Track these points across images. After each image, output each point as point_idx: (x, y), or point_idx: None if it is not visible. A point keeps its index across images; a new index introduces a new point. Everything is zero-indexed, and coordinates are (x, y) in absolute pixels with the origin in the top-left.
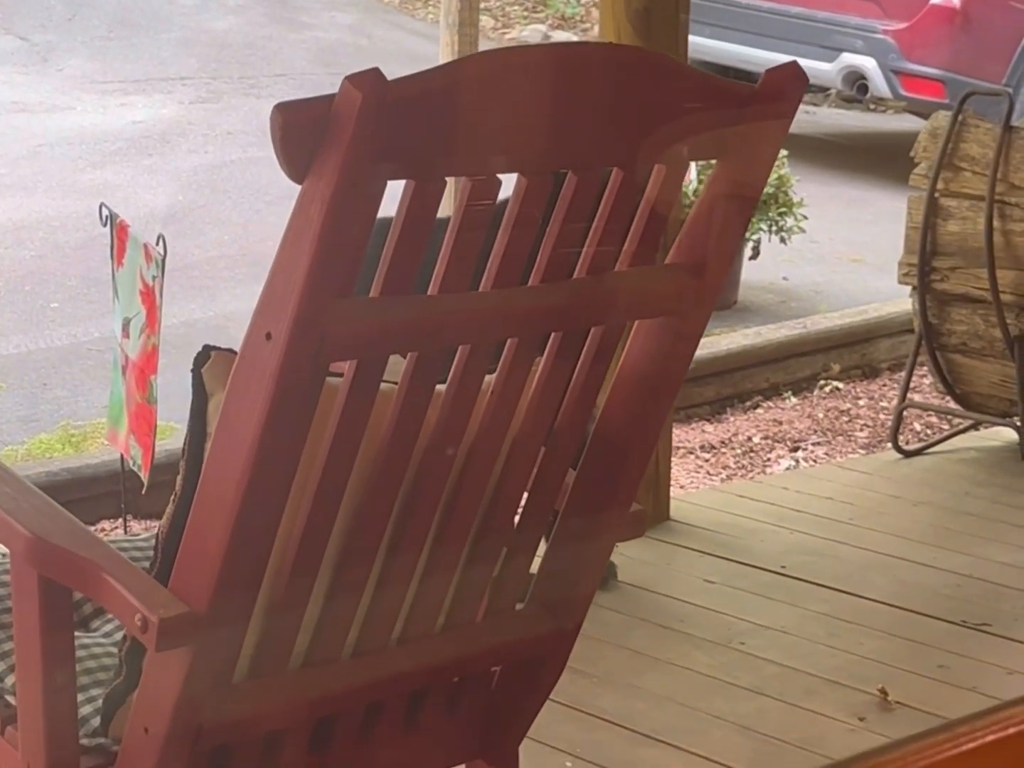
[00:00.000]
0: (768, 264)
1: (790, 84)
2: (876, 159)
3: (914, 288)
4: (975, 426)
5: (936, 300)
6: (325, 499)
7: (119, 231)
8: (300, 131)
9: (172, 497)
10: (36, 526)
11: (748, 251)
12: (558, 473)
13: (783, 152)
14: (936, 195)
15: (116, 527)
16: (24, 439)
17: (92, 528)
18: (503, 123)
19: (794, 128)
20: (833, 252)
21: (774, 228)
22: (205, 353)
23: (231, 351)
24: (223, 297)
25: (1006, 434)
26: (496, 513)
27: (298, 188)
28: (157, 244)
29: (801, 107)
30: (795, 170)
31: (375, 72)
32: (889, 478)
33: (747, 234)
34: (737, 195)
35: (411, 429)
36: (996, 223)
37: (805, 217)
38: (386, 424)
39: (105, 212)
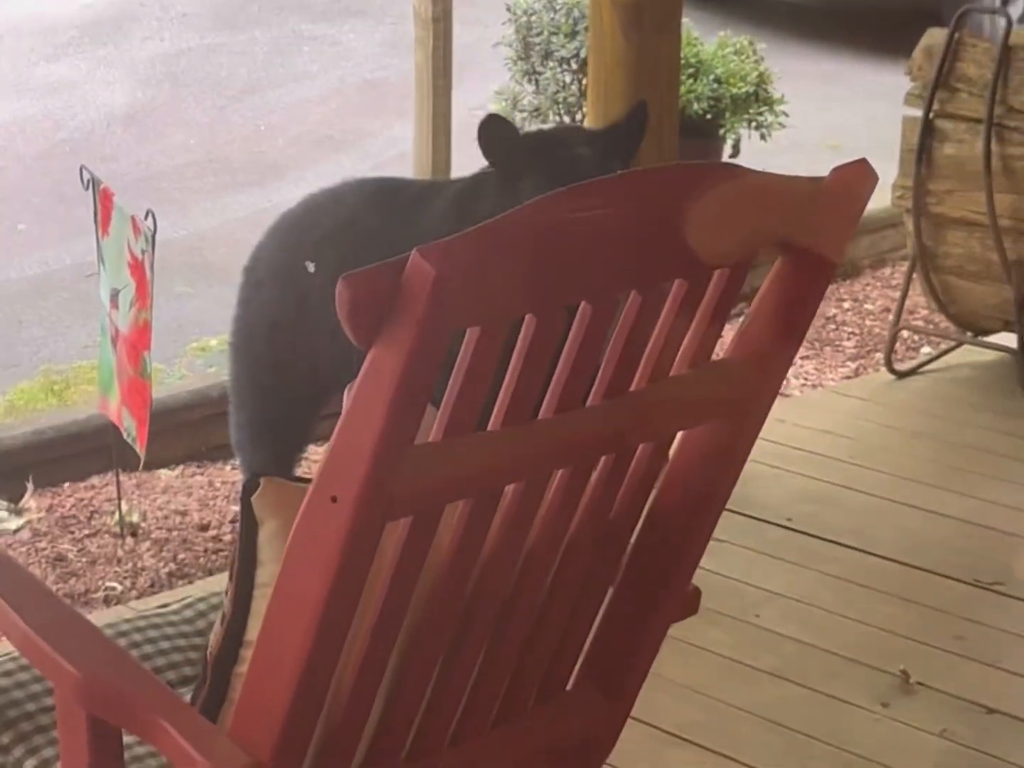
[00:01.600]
0: (745, 156)
1: (859, 182)
2: (853, 28)
3: (908, 211)
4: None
5: (931, 223)
6: (382, 637)
7: (103, 198)
8: (368, 305)
9: (221, 617)
10: (84, 662)
11: (728, 149)
12: (612, 567)
13: (762, 45)
14: (931, 116)
15: (107, 483)
16: (4, 388)
17: (81, 484)
18: (571, 259)
19: None
20: (809, 138)
21: (754, 125)
22: (254, 481)
23: (280, 479)
24: (193, 212)
25: (991, 347)
26: (550, 615)
27: (263, 91)
28: (146, 219)
29: None
30: (768, 41)
31: (445, 245)
32: (885, 405)
33: (726, 133)
34: (801, 290)
35: (470, 561)
36: (994, 147)
37: (786, 115)
38: (443, 553)
39: (87, 176)
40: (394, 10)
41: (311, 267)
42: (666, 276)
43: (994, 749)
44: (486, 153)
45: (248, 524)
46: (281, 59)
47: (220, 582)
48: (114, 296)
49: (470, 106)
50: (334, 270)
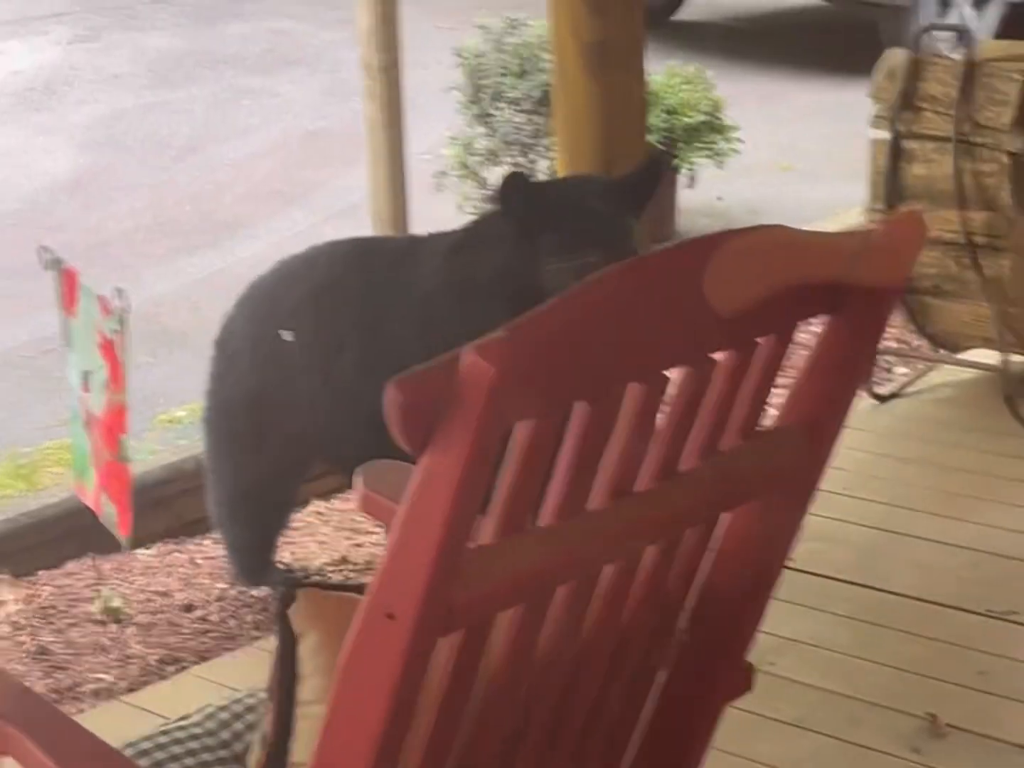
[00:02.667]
0: (701, 184)
1: (908, 237)
2: (783, 44)
3: None
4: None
5: None
6: (435, 752)
7: (66, 278)
8: (421, 409)
9: (261, 739)
10: None
11: (686, 181)
12: (663, 652)
13: (709, 73)
14: (899, 138)
15: (85, 568)
16: None
17: (57, 572)
18: (624, 338)
19: (694, 15)
20: (760, 160)
21: (708, 154)
22: (290, 593)
23: (316, 587)
24: (147, 277)
25: (971, 366)
26: (604, 709)
27: (205, 148)
28: (116, 298)
29: None
30: (704, 65)
31: (503, 342)
32: (872, 431)
33: (683, 164)
34: (851, 352)
35: (524, 667)
36: (964, 164)
37: (741, 140)
38: (495, 660)
39: (47, 256)
40: (329, 58)
41: (288, 336)
42: (715, 348)
43: None
44: (506, 208)
45: (287, 639)
46: (221, 114)
47: (221, 672)
48: (85, 378)
49: (418, 151)
50: (311, 338)
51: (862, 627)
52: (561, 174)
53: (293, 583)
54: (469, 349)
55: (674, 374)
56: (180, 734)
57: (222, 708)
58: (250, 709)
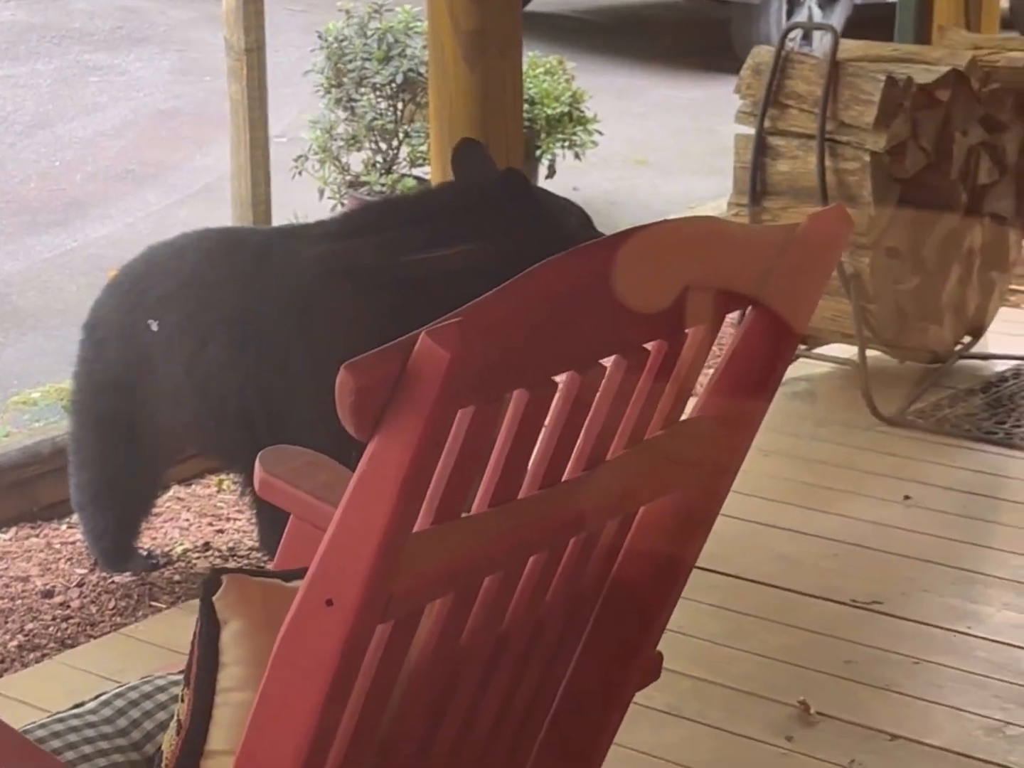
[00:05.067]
0: (559, 176)
1: (834, 229)
2: (637, 39)
3: None
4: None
5: None
6: (360, 739)
7: None
8: (373, 393)
9: (176, 727)
10: None
11: (544, 171)
12: (577, 641)
13: (571, 64)
14: (764, 134)
15: None
16: None
17: None
18: (564, 329)
19: (545, 7)
20: (616, 153)
21: (567, 145)
22: (215, 579)
23: (242, 574)
24: None
25: (829, 360)
26: (518, 696)
27: (53, 125)
28: None
29: None
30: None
31: (457, 326)
32: None
33: (542, 154)
34: (772, 345)
35: (449, 656)
36: (827, 162)
37: (600, 133)
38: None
39: None
40: (179, 37)
41: (154, 326)
42: (646, 337)
43: None
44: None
45: (209, 625)
46: (68, 91)
47: (86, 660)
48: None
49: (274, 135)
50: (178, 328)
51: (730, 616)
52: (434, 162)
53: (219, 569)
54: (423, 333)
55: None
56: (76, 722)
57: (118, 695)
58: (147, 696)
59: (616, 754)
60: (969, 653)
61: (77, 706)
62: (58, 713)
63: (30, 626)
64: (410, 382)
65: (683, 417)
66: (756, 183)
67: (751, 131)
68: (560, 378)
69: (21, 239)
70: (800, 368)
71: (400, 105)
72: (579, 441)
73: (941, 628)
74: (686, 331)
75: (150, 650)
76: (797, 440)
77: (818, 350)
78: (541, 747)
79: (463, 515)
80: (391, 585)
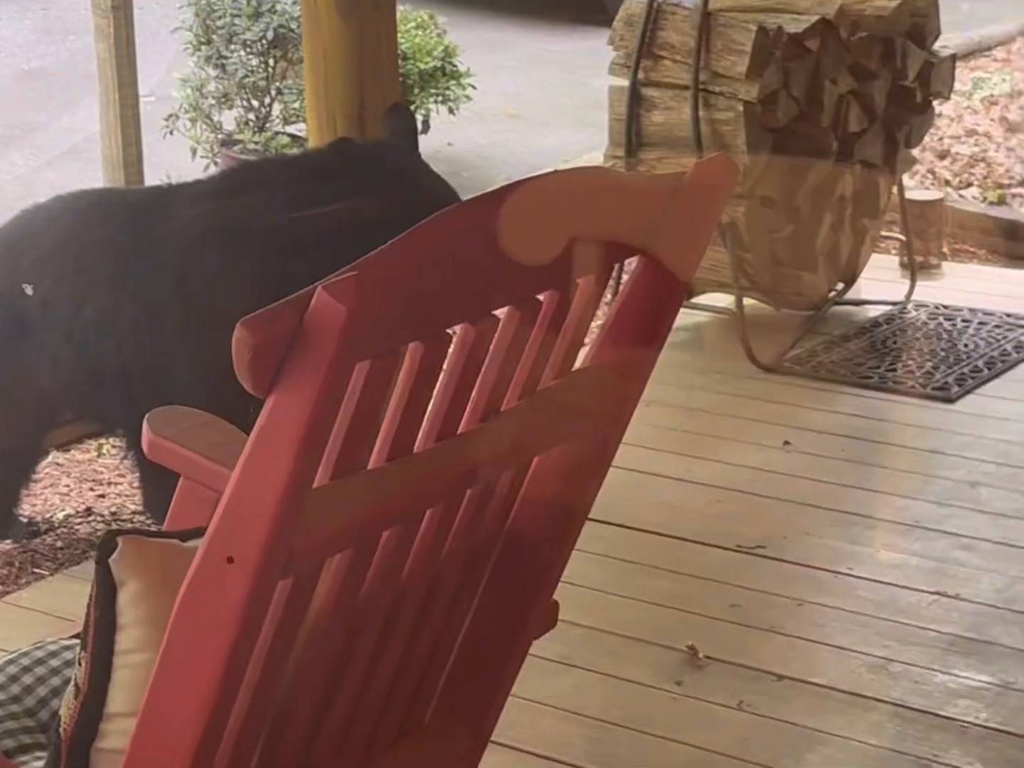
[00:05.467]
0: (432, 130)
1: (720, 177)
2: None
3: None
4: None
5: None
6: (262, 693)
7: None
8: (271, 349)
9: (74, 691)
10: None
11: (420, 125)
12: (475, 592)
13: (442, 19)
14: (638, 85)
15: None
16: None
17: None
18: (457, 281)
19: None
20: (488, 107)
21: (440, 100)
22: (111, 541)
23: (137, 534)
24: None
25: (708, 309)
26: (416, 649)
27: None
28: None
29: None
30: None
31: (354, 280)
32: None
33: (416, 109)
34: (662, 292)
35: (349, 611)
36: (701, 112)
37: (474, 87)
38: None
39: None
40: None
41: (29, 290)
42: (538, 288)
43: (791, 716)
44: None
45: (105, 587)
46: None
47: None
48: None
49: (143, 93)
50: (53, 293)
51: (616, 564)
52: (310, 118)
53: (114, 531)
54: (320, 288)
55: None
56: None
57: (9, 662)
58: (39, 662)
59: (509, 704)
60: (851, 593)
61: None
62: None
63: None
64: (307, 337)
65: (575, 367)
66: (631, 135)
67: (625, 83)
68: (455, 331)
69: None
70: (680, 318)
71: (271, 62)
72: (473, 393)
73: (824, 570)
74: (577, 282)
75: (35, 617)
76: (678, 389)
77: (697, 300)
78: (441, 699)
79: (362, 470)
80: (292, 541)
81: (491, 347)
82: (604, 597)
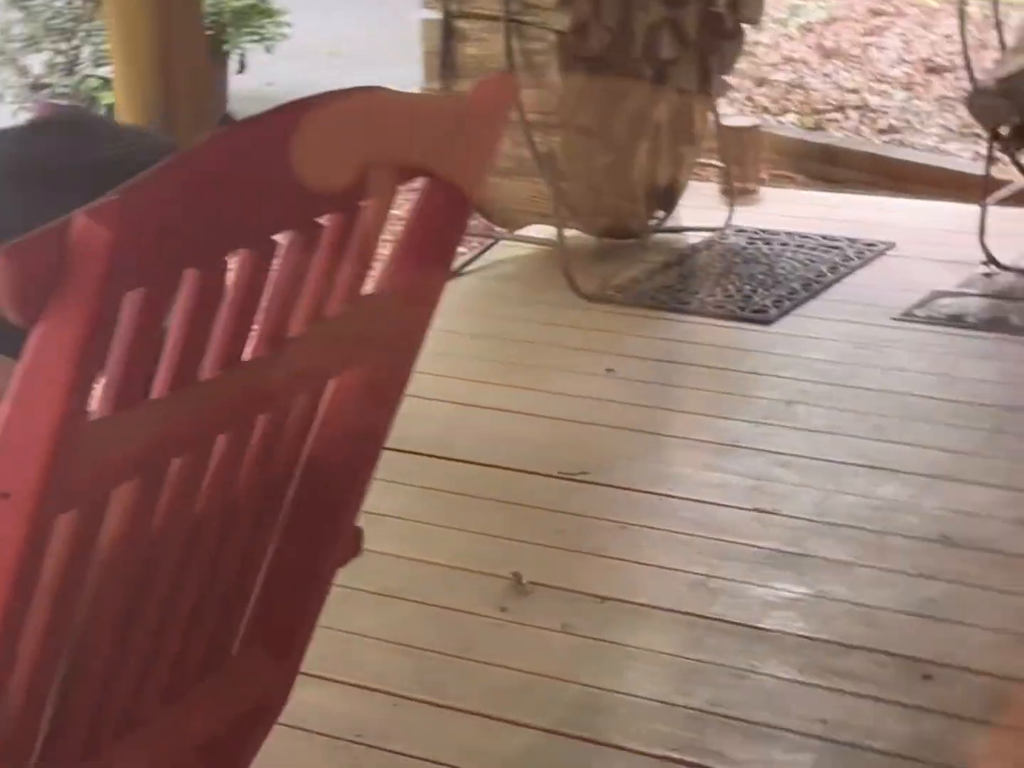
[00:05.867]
0: (249, 69)
1: (500, 95)
2: None
3: None
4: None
5: None
6: (53, 634)
7: None
8: (33, 278)
9: None
10: None
11: (235, 66)
12: (274, 522)
13: None
14: (450, 18)
15: None
16: None
17: None
18: (233, 206)
19: None
20: (308, 45)
21: (257, 39)
22: None
23: None
24: None
25: (530, 241)
26: (216, 582)
27: None
28: None
29: None
30: None
31: (117, 203)
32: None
33: (230, 49)
34: (447, 215)
35: (140, 545)
36: (514, 43)
37: (289, 25)
38: (108, 539)
39: None
40: None
41: None
42: (320, 212)
43: (614, 636)
44: None
45: None
46: None
47: None
48: None
49: None
50: None
51: (441, 496)
52: (115, 61)
53: None
54: (81, 213)
55: (282, 239)
56: None
57: None
58: None
59: (333, 638)
60: (673, 514)
61: None
62: None
63: None
64: (73, 264)
65: (363, 292)
66: (446, 67)
67: (438, 16)
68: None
69: None
70: (503, 251)
71: (79, 2)
72: (258, 320)
73: (645, 492)
74: (360, 204)
75: None
76: (502, 321)
77: (519, 232)
78: (247, 630)
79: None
80: (70, 475)
81: (273, 274)
82: (428, 529)
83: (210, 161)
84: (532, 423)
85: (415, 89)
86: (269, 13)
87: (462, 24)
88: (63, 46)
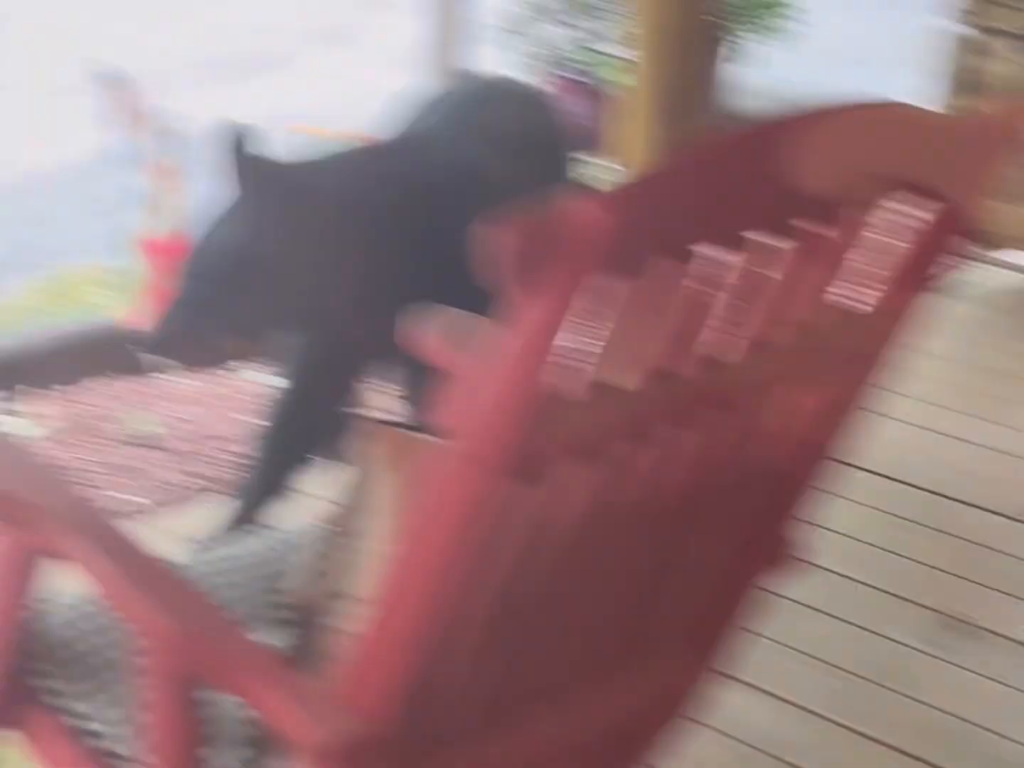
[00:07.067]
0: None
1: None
2: None
3: None
4: None
5: None
6: (506, 604)
7: (128, 97)
8: (536, 253)
9: (320, 572)
10: (181, 616)
11: (730, 54)
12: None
13: None
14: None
15: (117, 389)
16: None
17: (90, 390)
18: (732, 205)
19: None
20: (826, 46)
21: (754, 29)
22: (367, 427)
23: (393, 428)
24: None
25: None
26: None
27: None
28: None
29: None
30: None
31: (623, 194)
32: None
33: (725, 36)
34: (945, 233)
35: (600, 525)
36: None
37: (793, 19)
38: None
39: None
40: None
41: None
42: (817, 222)
43: None
44: None
45: (363, 476)
46: None
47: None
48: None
49: None
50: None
51: (888, 519)
52: (640, 46)
53: (373, 421)
54: (587, 198)
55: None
56: (225, 565)
57: (271, 546)
58: (285, 541)
59: (755, 644)
60: None
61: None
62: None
63: (206, 470)
64: (573, 244)
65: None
66: (969, 84)
67: (966, 30)
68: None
69: None
70: (975, 273)
71: None
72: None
73: None
74: (852, 218)
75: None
76: (966, 346)
77: (995, 255)
78: (664, 623)
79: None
80: (536, 446)
81: (762, 279)
82: (864, 548)
83: (722, 162)
84: (992, 458)
85: (934, 104)
86: (768, 5)
87: (993, 42)
88: (584, 24)
